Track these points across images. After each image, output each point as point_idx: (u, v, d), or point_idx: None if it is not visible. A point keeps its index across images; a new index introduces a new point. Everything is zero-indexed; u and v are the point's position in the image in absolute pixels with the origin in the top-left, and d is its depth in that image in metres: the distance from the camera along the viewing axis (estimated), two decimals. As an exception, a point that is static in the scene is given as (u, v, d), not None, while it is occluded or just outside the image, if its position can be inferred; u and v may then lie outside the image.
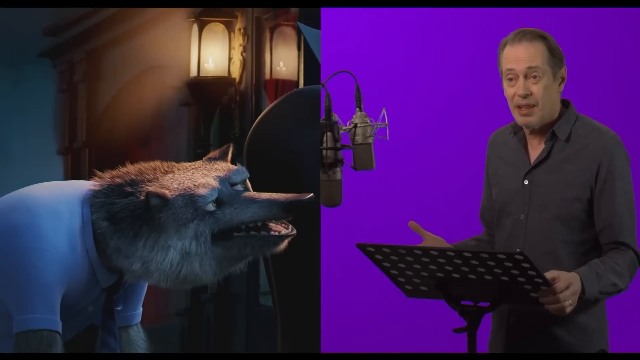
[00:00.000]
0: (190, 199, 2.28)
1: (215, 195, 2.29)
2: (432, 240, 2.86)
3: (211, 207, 2.28)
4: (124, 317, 2.52)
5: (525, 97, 2.78)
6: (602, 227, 2.77)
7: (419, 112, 3.99)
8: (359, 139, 2.78)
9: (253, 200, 2.32)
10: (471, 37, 3.96)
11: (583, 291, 2.65)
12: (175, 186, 2.30)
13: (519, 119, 2.82)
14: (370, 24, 4.01)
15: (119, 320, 2.49)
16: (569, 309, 2.60)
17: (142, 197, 2.28)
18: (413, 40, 4.00)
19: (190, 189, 2.30)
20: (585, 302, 2.72)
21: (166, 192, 2.28)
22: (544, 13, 3.83)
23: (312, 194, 2.34)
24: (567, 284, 2.59)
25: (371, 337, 3.90)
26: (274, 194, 2.34)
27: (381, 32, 4.01)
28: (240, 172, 2.38)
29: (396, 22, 3.99)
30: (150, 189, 2.28)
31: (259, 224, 2.32)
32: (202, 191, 2.29)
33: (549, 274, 2.58)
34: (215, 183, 2.31)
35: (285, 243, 2.39)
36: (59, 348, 2.30)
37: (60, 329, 2.30)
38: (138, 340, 2.56)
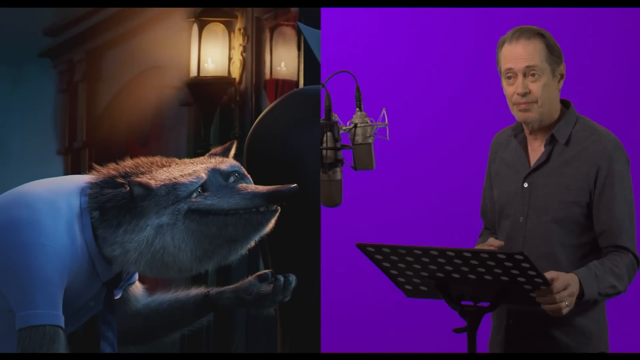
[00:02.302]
0: (172, 187, 2.30)
1: (197, 185, 2.31)
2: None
3: (194, 195, 2.31)
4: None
5: (524, 95, 2.78)
6: (602, 230, 2.77)
7: (419, 112, 3.99)
8: (358, 139, 2.78)
9: (238, 192, 2.34)
10: (471, 37, 3.96)
11: (582, 292, 2.65)
12: (163, 177, 2.32)
13: (518, 115, 2.82)
14: (370, 24, 4.01)
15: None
16: (565, 310, 2.60)
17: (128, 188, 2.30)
18: (413, 40, 4.00)
19: (175, 178, 2.32)
20: (584, 305, 2.72)
21: (151, 182, 2.30)
22: (544, 13, 3.84)
23: (295, 185, 2.35)
24: (564, 284, 2.60)
25: (371, 337, 3.90)
26: (261, 186, 2.36)
27: (381, 32, 4.01)
28: (230, 162, 2.42)
29: (396, 22, 3.99)
30: (135, 178, 2.30)
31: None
32: (184, 179, 2.31)
33: (547, 274, 2.58)
34: (202, 173, 2.34)
35: (270, 223, 2.39)
36: (62, 343, 2.30)
37: (63, 324, 2.30)
38: (132, 297, 2.57)
